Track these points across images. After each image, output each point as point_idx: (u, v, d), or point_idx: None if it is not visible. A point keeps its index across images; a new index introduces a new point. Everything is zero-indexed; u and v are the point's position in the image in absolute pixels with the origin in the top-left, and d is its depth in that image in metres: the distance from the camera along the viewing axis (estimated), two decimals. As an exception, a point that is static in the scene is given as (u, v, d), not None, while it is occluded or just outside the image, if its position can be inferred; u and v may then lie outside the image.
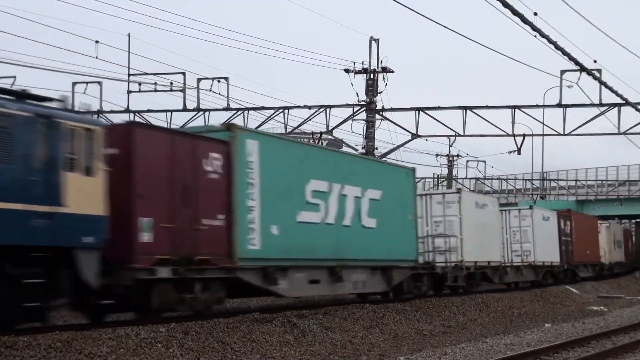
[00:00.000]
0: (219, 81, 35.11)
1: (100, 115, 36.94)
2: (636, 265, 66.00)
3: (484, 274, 33.62)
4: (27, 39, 59.51)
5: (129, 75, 34.95)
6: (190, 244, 17.44)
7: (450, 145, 53.63)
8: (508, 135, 35.18)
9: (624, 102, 29.04)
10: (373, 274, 24.52)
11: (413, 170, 28.09)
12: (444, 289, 30.65)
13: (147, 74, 35.18)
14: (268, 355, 15.91)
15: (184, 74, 35.16)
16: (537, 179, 67.87)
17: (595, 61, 28.49)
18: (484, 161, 59.55)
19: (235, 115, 36.13)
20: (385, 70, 34.83)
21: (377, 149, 36.53)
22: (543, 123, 34.85)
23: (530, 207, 40.26)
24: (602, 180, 72.86)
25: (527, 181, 69.82)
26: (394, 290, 26.27)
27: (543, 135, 39.53)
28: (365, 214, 23.84)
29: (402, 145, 37.37)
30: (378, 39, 34.83)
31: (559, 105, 33.67)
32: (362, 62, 34.82)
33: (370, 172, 25.02)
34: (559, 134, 34.51)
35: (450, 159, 54.98)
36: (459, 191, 31.58)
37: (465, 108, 34.63)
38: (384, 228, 24.61)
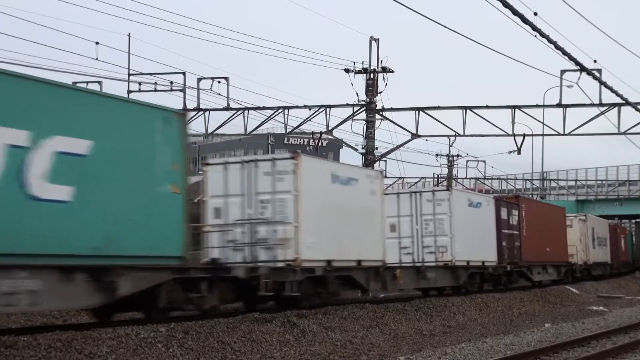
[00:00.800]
0: (219, 81, 35.15)
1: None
2: (636, 265, 66.01)
3: (349, 278, 23.17)
4: (27, 40, 59.62)
5: (129, 75, 34.99)
6: None
7: (450, 145, 53.67)
8: (508, 135, 35.20)
9: (624, 102, 29.05)
10: (64, 281, 14.51)
11: (180, 115, 17.43)
12: (260, 302, 20.81)
13: (147, 74, 35.25)
14: (268, 355, 15.92)
15: (184, 74, 35.22)
16: (537, 179, 67.92)
17: (595, 61, 28.63)
18: (484, 161, 59.58)
19: (235, 115, 36.16)
20: (385, 70, 34.83)
21: (377, 148, 36.57)
22: (543, 123, 34.90)
23: (448, 189, 31.03)
24: (602, 180, 73.00)
25: (527, 181, 69.90)
26: (136, 303, 17.03)
27: (543, 135, 39.58)
28: (43, 177, 14.17)
29: (402, 145, 37.40)
30: (378, 39, 34.84)
31: (559, 105, 33.68)
32: (362, 62, 34.85)
33: (64, 107, 14.83)
34: (559, 134, 34.52)
35: (450, 159, 55.01)
36: (294, 157, 21.17)
37: (465, 108, 34.64)
38: (98, 202, 15.04)
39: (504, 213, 34.25)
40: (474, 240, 30.89)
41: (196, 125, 35.50)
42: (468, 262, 30.55)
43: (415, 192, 30.32)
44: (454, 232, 29.30)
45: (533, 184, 68.64)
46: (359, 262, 23.38)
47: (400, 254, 29.08)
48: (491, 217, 32.99)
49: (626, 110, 32.61)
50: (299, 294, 20.75)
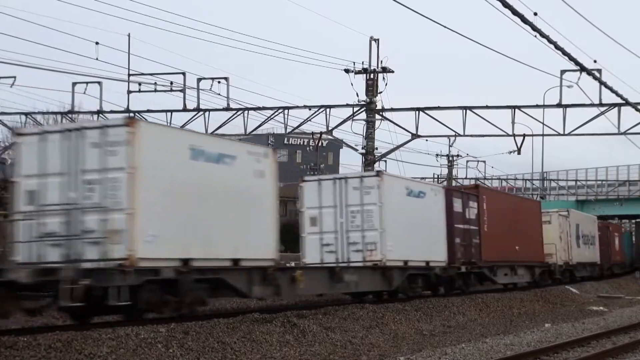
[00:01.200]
0: (219, 81, 35.17)
1: (101, 115, 37.03)
2: (636, 265, 66.01)
3: (220, 282, 18.20)
4: (27, 40, 59.62)
5: (129, 75, 35.03)
6: None
7: (450, 145, 53.76)
8: (508, 135, 35.23)
9: (624, 102, 29.05)
10: None
11: None
12: (103, 312, 17.21)
13: (147, 74, 35.26)
14: (268, 355, 15.92)
15: (184, 74, 35.25)
16: (537, 179, 67.95)
17: (595, 61, 28.66)
18: (484, 161, 59.63)
19: (235, 115, 36.16)
20: (385, 70, 34.86)
21: (377, 149, 36.59)
22: (543, 123, 34.93)
23: (378, 174, 25.19)
24: (602, 180, 73.08)
25: (527, 181, 69.93)
26: None
27: (543, 135, 39.57)
28: None
29: (402, 145, 37.42)
30: (378, 39, 34.88)
31: (559, 105, 33.70)
32: (362, 62, 34.89)
33: None
34: (559, 134, 34.54)
35: (450, 159, 55.06)
36: (130, 123, 16.26)
37: (465, 108, 34.67)
38: None
39: (457, 205, 29.27)
40: (414, 237, 25.95)
41: (196, 126, 35.53)
42: (405, 262, 25.62)
43: (340, 179, 25.33)
44: (386, 226, 24.37)
45: (533, 184, 68.67)
46: (236, 261, 18.46)
47: (322, 253, 24.78)
48: (439, 210, 28.01)
49: (626, 110, 32.65)
50: (130, 302, 15.91)
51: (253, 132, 37.38)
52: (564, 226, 42.93)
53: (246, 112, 36.26)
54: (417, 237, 26.25)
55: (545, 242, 39.37)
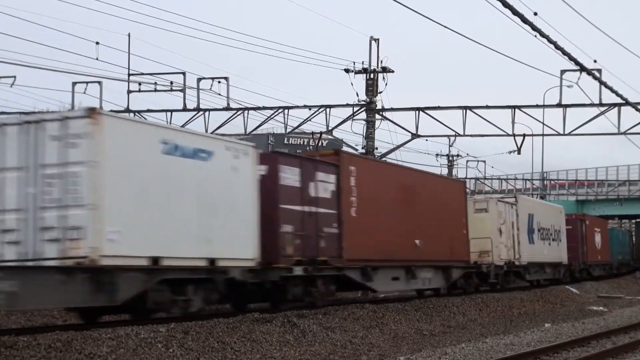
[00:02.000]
0: (219, 81, 35.13)
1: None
2: (636, 265, 66.00)
3: None
4: (27, 40, 59.62)
5: (129, 75, 35.00)
6: None
7: (450, 145, 53.73)
8: (508, 135, 35.21)
9: (624, 102, 29.05)
10: None
11: None
12: None
13: (147, 74, 35.25)
14: (268, 355, 15.91)
15: (184, 74, 35.22)
16: (537, 179, 67.94)
17: (595, 61, 28.65)
18: (484, 161, 59.59)
19: (235, 115, 36.15)
20: (385, 70, 34.85)
21: (377, 149, 36.58)
22: (543, 123, 34.91)
23: (91, 115, 14.88)
24: (602, 180, 73.09)
25: (527, 181, 69.92)
26: None
27: (543, 135, 39.57)
28: None
29: (402, 145, 37.42)
30: (378, 39, 34.86)
31: (559, 105, 33.69)
32: (362, 62, 34.87)
33: None
34: (559, 134, 34.53)
35: (450, 159, 55.03)
36: None
37: (465, 108, 34.65)
38: None
39: (290, 176, 20.16)
40: (179, 220, 16.71)
41: (196, 126, 35.54)
42: (156, 259, 16.11)
43: (31, 122, 15.42)
44: (104, 200, 14.97)
45: (533, 184, 68.67)
46: None
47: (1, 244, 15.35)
48: (245, 181, 18.53)
49: (626, 110, 32.65)
50: None
51: (253, 132, 37.38)
52: (508, 216, 33.89)
53: (246, 112, 36.24)
54: (187, 222, 16.97)
55: (478, 236, 30.60)
